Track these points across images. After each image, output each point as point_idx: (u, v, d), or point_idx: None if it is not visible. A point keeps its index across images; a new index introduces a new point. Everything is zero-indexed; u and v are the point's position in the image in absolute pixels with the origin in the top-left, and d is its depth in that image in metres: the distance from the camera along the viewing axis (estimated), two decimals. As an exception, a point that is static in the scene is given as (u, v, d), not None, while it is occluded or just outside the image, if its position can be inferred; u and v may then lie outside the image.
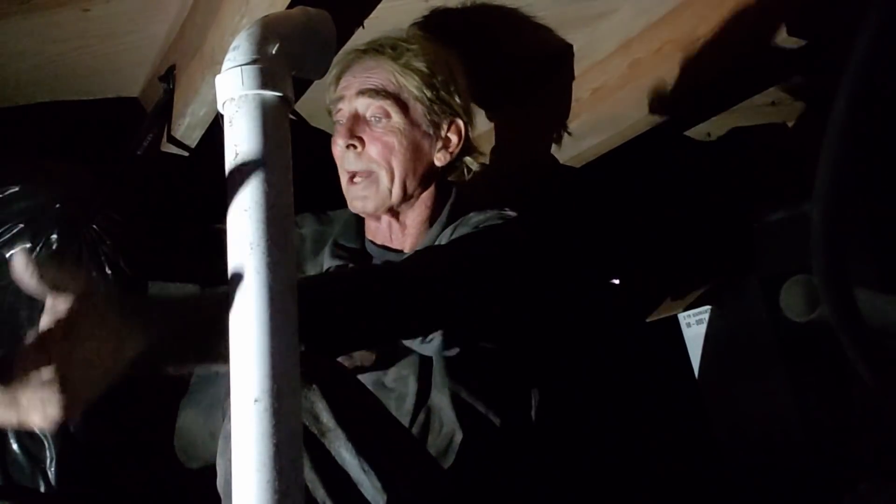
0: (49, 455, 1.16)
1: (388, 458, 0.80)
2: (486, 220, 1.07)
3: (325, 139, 1.17)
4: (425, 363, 1.02)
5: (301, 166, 0.71)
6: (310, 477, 0.77)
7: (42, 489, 1.15)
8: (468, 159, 1.18)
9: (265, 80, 0.68)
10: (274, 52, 0.72)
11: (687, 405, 1.30)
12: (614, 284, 1.54)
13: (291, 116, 0.72)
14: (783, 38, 0.96)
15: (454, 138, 1.14)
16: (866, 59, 0.56)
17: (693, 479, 1.26)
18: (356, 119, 1.10)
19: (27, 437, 1.16)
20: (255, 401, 0.61)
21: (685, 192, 1.59)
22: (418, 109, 1.11)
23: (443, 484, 0.89)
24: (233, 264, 0.64)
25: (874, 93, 0.55)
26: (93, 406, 0.75)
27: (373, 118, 1.10)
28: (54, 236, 1.23)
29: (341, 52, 1.14)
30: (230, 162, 0.66)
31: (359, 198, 1.11)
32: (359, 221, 1.19)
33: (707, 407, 1.25)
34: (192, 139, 1.35)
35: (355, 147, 1.09)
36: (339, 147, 1.10)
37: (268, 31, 0.75)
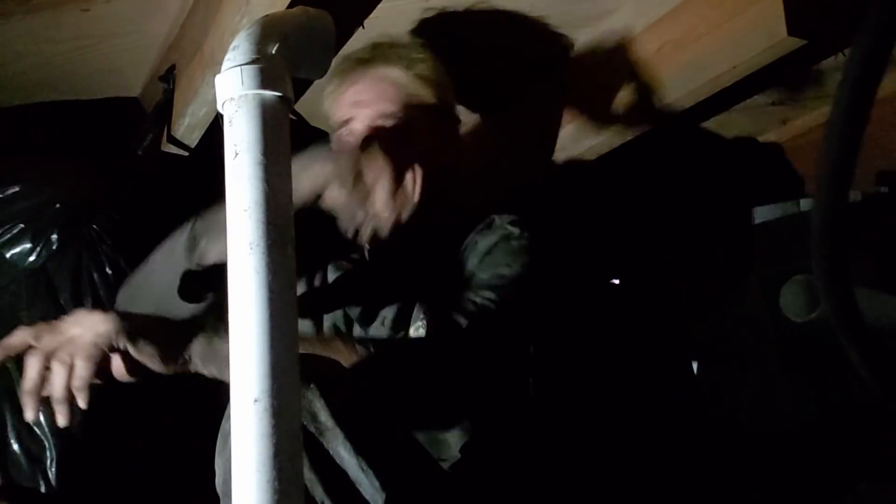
0: (49, 455, 1.16)
1: (386, 457, 0.80)
2: (494, 244, 1.04)
3: (325, 139, 1.17)
4: None
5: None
6: (308, 476, 0.77)
7: (42, 489, 1.15)
8: (466, 157, 1.18)
9: (265, 80, 0.68)
10: (274, 51, 0.72)
11: (686, 405, 1.30)
12: (613, 284, 1.54)
13: (291, 116, 0.72)
14: (783, 38, 0.96)
15: (453, 139, 1.13)
16: (866, 58, 0.56)
17: (692, 479, 1.26)
18: (369, 133, 1.07)
19: (28, 436, 1.17)
20: (255, 400, 0.61)
21: (684, 191, 1.59)
22: (425, 117, 1.09)
23: (442, 483, 0.89)
24: (232, 264, 0.64)
25: (875, 92, 0.55)
26: (92, 407, 0.77)
27: (382, 131, 1.07)
28: (54, 236, 1.23)
29: (341, 57, 1.12)
30: (230, 162, 0.66)
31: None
32: None
33: (706, 407, 1.24)
34: (192, 139, 1.35)
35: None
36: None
37: (268, 30, 0.75)
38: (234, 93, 0.68)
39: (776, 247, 1.07)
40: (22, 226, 1.23)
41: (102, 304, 1.24)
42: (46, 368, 0.75)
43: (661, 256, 1.55)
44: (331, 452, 0.78)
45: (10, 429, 1.17)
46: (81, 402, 0.75)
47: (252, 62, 0.69)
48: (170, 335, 0.77)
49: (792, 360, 1.05)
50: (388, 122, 1.07)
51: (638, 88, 1.24)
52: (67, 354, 0.75)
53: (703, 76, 1.12)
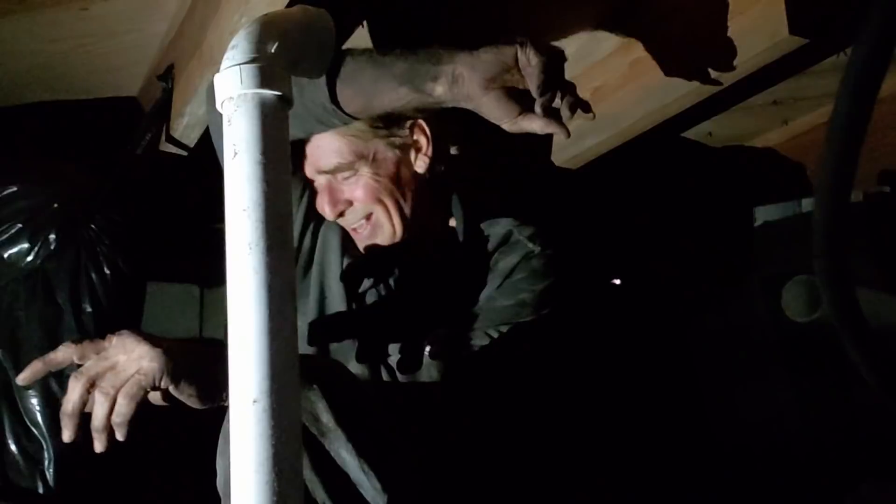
0: (47, 456, 1.15)
1: (388, 458, 0.80)
2: (515, 265, 1.03)
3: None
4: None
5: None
6: (309, 477, 0.77)
7: (41, 490, 1.14)
8: (451, 148, 1.13)
9: (264, 79, 0.68)
10: (273, 50, 0.72)
11: (688, 405, 1.30)
12: (614, 285, 1.54)
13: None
14: (785, 37, 0.96)
15: (422, 139, 1.08)
16: (868, 58, 0.56)
17: (694, 479, 1.26)
18: (331, 188, 1.07)
19: (25, 437, 1.16)
20: (254, 401, 0.61)
21: (685, 192, 1.59)
22: (377, 144, 1.06)
23: (443, 485, 0.89)
24: (231, 264, 0.64)
25: (877, 91, 0.55)
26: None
27: (343, 179, 1.06)
28: (53, 236, 1.23)
29: None
30: (229, 161, 0.66)
31: (367, 243, 1.08)
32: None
33: (708, 407, 1.24)
34: (191, 139, 1.34)
35: (343, 213, 1.07)
36: (329, 217, 1.08)
37: (267, 29, 0.74)
38: (233, 92, 0.67)
39: (777, 247, 1.07)
40: (20, 226, 1.22)
41: (100, 304, 1.24)
42: (88, 391, 0.76)
43: (663, 257, 1.55)
44: (332, 454, 0.78)
45: (7, 429, 1.17)
46: (120, 436, 0.76)
47: (251, 61, 0.69)
48: (211, 375, 0.76)
49: (793, 361, 1.05)
50: (344, 172, 1.06)
51: (638, 87, 1.24)
52: (111, 386, 0.75)
53: (704, 75, 1.11)
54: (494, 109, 0.87)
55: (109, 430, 0.76)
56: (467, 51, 0.87)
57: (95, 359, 0.77)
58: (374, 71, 0.89)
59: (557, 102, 0.88)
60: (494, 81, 0.86)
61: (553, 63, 0.86)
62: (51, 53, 1.28)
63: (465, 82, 0.86)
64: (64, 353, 0.78)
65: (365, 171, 1.05)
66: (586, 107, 0.90)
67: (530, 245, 1.05)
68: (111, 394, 0.75)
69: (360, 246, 1.09)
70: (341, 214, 1.07)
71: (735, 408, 1.18)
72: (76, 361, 0.78)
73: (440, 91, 0.87)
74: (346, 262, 1.09)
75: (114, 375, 0.76)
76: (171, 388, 0.76)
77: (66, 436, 0.77)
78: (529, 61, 0.85)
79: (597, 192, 1.54)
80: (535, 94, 0.86)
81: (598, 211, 1.58)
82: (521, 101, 0.87)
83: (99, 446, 0.76)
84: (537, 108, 0.87)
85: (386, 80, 0.89)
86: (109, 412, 0.75)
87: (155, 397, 0.78)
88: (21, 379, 0.80)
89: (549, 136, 1.40)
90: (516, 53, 0.86)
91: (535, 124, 0.87)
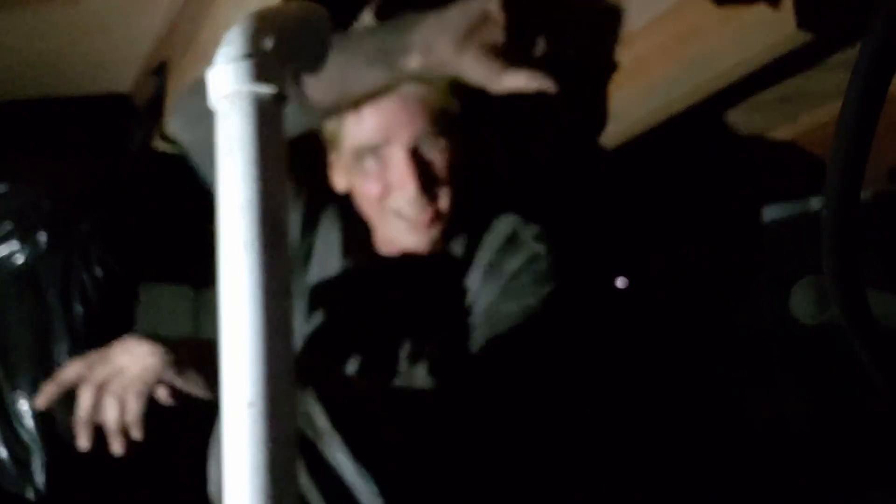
0: (37, 460, 1.14)
1: (384, 462, 0.79)
2: (519, 269, 0.99)
3: (321, 136, 1.15)
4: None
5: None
6: (305, 482, 0.76)
7: (31, 497, 1.13)
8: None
9: (259, 76, 0.67)
10: (268, 46, 0.71)
11: (693, 406, 1.29)
12: (620, 284, 1.53)
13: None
14: (793, 32, 0.95)
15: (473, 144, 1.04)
16: (877, 55, 0.55)
17: (699, 481, 1.25)
18: (415, 156, 0.96)
19: (14, 441, 1.15)
20: (249, 405, 0.60)
21: (692, 189, 1.58)
22: (455, 129, 1.01)
23: (440, 489, 0.87)
24: (225, 265, 0.62)
25: (887, 88, 0.54)
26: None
27: (425, 153, 0.97)
28: (43, 236, 1.21)
29: None
30: (223, 159, 0.65)
31: (431, 240, 1.01)
32: (351, 224, 1.10)
33: (714, 409, 1.23)
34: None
35: (436, 197, 0.97)
36: (410, 194, 0.96)
37: (262, 25, 0.73)
38: (227, 88, 0.66)
39: (786, 246, 1.06)
40: (8, 225, 1.21)
41: (92, 305, 1.22)
42: (97, 397, 0.79)
43: (669, 255, 1.54)
44: (328, 458, 0.77)
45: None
46: (136, 435, 0.79)
47: (246, 57, 0.68)
48: (217, 362, 0.76)
49: (801, 363, 1.04)
50: (425, 144, 0.98)
51: (641, 85, 1.23)
52: (119, 387, 0.77)
53: (708, 71, 1.10)
54: (474, 70, 0.84)
55: (125, 432, 0.78)
56: (434, 14, 0.84)
57: (101, 365, 0.78)
58: (342, 56, 0.85)
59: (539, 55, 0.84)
60: (468, 40, 0.83)
61: (525, 7, 0.81)
62: (41, 49, 1.27)
63: (438, 47, 0.83)
64: (73, 370, 0.80)
65: (450, 144, 0.99)
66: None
67: (536, 247, 1.01)
68: (120, 394, 0.77)
69: (415, 241, 1.01)
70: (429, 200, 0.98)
71: (741, 409, 1.17)
72: (85, 374, 0.79)
73: (414, 63, 0.84)
74: (347, 262, 1.07)
75: (120, 377, 0.77)
76: (179, 381, 0.77)
77: (83, 443, 0.79)
78: (496, 8, 0.82)
79: (600, 189, 1.53)
80: (507, 44, 0.82)
81: (597, 211, 1.57)
82: (503, 57, 0.84)
83: (117, 447, 0.79)
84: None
85: (357, 63, 0.86)
86: (121, 414, 0.77)
87: (164, 395, 0.79)
88: (39, 404, 0.82)
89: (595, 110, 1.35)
90: (482, 3, 0.83)
91: (519, 80, 0.84)
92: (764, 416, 1.12)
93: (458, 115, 1.01)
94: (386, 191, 1.00)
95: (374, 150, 0.99)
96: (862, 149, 0.56)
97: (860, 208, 0.54)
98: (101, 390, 0.77)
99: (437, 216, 1.01)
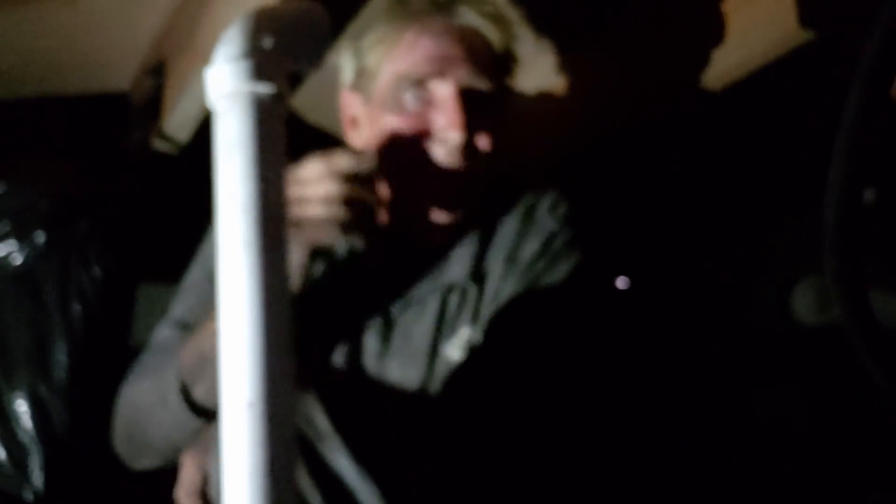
0: (34, 461, 1.14)
1: (385, 464, 0.79)
2: (536, 253, 0.90)
3: (321, 135, 1.15)
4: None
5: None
6: (305, 483, 0.76)
7: (29, 497, 1.13)
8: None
9: (258, 75, 0.67)
10: (267, 45, 0.71)
11: (696, 407, 1.29)
12: (621, 285, 1.52)
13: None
14: (795, 30, 0.94)
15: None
16: (880, 55, 0.55)
17: (702, 484, 1.25)
18: (465, 98, 0.84)
19: (11, 442, 1.14)
20: (249, 405, 0.59)
21: (694, 191, 1.57)
22: (510, 79, 0.90)
23: (440, 490, 0.87)
24: (225, 265, 0.62)
25: (889, 88, 0.54)
26: (80, 413, 0.76)
27: (478, 98, 0.84)
28: (41, 236, 1.21)
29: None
30: (222, 159, 0.64)
31: (458, 206, 0.87)
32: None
33: (716, 409, 1.23)
34: (183, 136, 1.32)
35: (476, 154, 0.84)
36: (454, 141, 0.82)
37: (261, 23, 0.73)
38: (226, 88, 0.66)
39: (788, 248, 1.06)
40: (7, 226, 1.21)
41: (90, 306, 1.22)
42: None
43: (672, 256, 1.53)
44: (328, 459, 0.76)
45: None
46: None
47: (245, 56, 0.68)
48: None
49: (803, 364, 1.04)
50: (481, 86, 0.85)
51: (641, 85, 1.22)
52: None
53: (710, 71, 1.10)
54: None
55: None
56: None
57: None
58: None
59: None
60: None
61: None
62: (39, 48, 1.26)
63: None
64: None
65: (499, 98, 0.88)
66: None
67: (550, 223, 0.91)
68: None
69: (440, 201, 0.86)
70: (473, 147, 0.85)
71: (744, 411, 1.17)
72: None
73: None
74: (355, 251, 1.00)
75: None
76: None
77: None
78: None
79: (596, 191, 1.53)
80: None
81: (598, 211, 1.56)
82: None
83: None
84: None
85: None
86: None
87: None
88: None
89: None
90: None
91: None
92: (766, 416, 1.12)
93: (516, 63, 0.90)
94: (423, 134, 0.85)
95: (418, 83, 0.85)
96: (863, 150, 0.56)
97: (862, 208, 0.53)
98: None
99: (472, 178, 0.86)
